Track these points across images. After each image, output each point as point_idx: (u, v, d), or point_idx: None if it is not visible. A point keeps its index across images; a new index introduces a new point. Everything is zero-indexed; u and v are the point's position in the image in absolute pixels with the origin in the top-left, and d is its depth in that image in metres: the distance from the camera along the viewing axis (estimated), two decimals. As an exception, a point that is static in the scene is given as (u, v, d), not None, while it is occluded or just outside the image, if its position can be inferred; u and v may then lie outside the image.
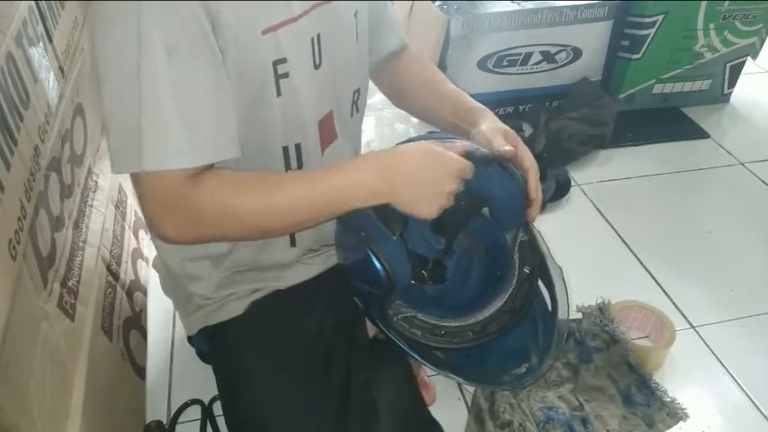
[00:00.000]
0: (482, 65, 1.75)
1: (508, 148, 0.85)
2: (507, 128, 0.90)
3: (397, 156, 0.78)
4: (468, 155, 0.80)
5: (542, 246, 0.93)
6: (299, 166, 0.86)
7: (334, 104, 0.90)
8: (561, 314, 0.91)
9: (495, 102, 1.84)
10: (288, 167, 0.86)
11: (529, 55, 1.77)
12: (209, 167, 0.74)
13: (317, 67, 0.83)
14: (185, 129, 0.70)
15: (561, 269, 0.93)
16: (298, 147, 0.85)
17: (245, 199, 0.75)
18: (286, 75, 0.78)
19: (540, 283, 0.92)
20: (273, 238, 0.90)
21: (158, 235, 0.76)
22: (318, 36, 0.82)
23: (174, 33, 0.67)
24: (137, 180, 0.74)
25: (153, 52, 0.67)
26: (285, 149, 0.85)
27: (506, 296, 0.89)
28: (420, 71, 1.04)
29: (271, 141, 0.83)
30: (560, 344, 0.92)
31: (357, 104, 0.95)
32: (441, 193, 0.77)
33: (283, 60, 0.77)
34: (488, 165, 0.84)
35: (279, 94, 0.79)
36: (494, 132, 0.88)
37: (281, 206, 0.76)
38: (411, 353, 0.90)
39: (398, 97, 1.08)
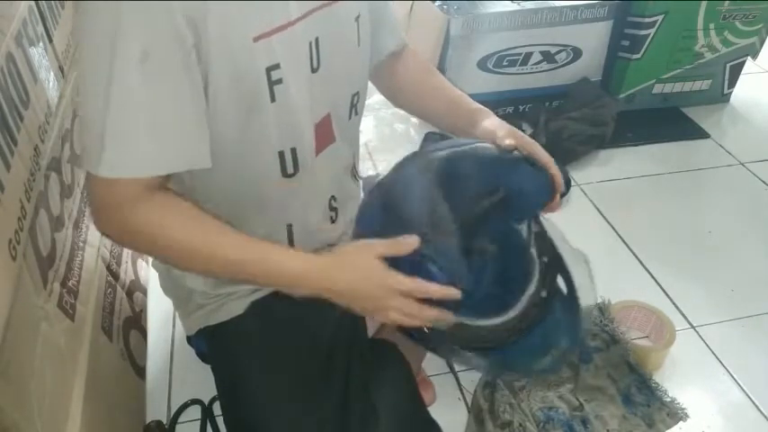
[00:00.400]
0: (482, 65, 1.75)
1: (509, 141, 0.87)
2: (511, 127, 0.91)
3: (335, 271, 0.81)
4: (494, 155, 0.83)
5: (552, 232, 0.94)
6: (295, 170, 0.86)
7: (331, 108, 0.89)
8: (586, 298, 0.92)
9: (495, 102, 1.84)
10: (284, 171, 0.86)
11: (529, 55, 1.77)
12: (166, 182, 0.76)
13: (314, 70, 0.82)
14: (144, 139, 0.70)
15: (584, 255, 0.94)
16: (293, 151, 0.85)
17: (182, 236, 0.76)
18: (280, 81, 0.78)
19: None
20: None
21: (99, 230, 0.79)
22: (317, 40, 0.81)
23: (148, 42, 0.67)
24: (90, 180, 0.74)
25: (125, 59, 0.67)
26: (281, 154, 0.84)
27: (533, 289, 0.89)
28: (418, 72, 1.04)
29: (266, 146, 0.83)
30: (587, 325, 0.92)
31: (356, 108, 0.95)
32: (376, 310, 0.81)
33: (277, 66, 0.77)
34: (518, 163, 0.86)
35: (273, 100, 0.79)
36: (497, 127, 0.90)
37: (215, 259, 0.78)
38: (454, 356, 0.91)
39: (396, 98, 1.08)
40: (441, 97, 1.01)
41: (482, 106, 0.97)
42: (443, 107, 1.00)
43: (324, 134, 0.90)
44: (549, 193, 0.89)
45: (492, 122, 0.92)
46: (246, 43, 0.73)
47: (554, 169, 0.90)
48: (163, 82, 0.69)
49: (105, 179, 0.71)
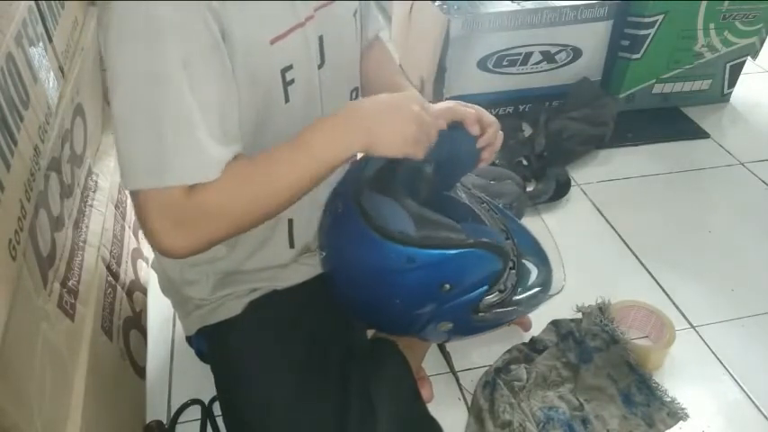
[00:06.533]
0: (482, 65, 1.75)
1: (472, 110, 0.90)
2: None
3: (359, 103, 0.81)
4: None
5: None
6: None
7: (335, 104, 0.90)
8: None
9: (495, 102, 1.85)
10: None
11: (529, 55, 1.77)
12: None
13: (319, 67, 0.83)
14: (210, 142, 0.70)
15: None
16: None
17: (248, 195, 0.75)
18: (292, 81, 0.79)
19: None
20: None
21: (165, 252, 0.74)
22: (321, 37, 0.82)
23: (188, 49, 0.67)
24: (137, 199, 0.72)
25: (170, 69, 0.66)
26: None
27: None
28: (381, 61, 1.05)
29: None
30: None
31: None
32: (409, 119, 0.77)
33: (290, 67, 0.78)
34: (452, 128, 0.88)
35: (287, 100, 0.80)
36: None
37: (280, 191, 0.76)
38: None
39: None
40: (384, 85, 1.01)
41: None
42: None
43: None
44: (476, 155, 0.92)
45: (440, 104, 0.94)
46: (264, 46, 0.74)
47: (493, 129, 0.91)
48: (209, 83, 0.69)
49: (158, 191, 0.70)
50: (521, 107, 1.86)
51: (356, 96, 0.95)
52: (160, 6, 0.65)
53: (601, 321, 1.20)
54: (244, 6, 0.70)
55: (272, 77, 0.77)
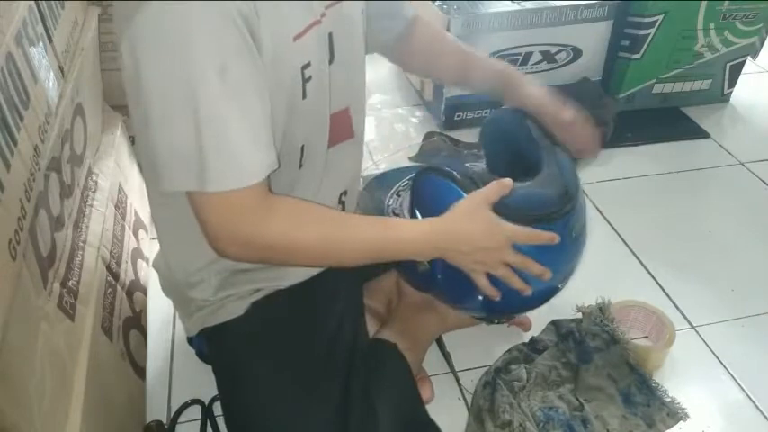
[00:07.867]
0: (482, 65, 1.74)
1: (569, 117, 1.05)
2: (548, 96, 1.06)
3: (457, 225, 0.85)
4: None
5: None
6: (307, 161, 0.87)
7: (348, 101, 0.90)
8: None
9: (495, 101, 1.84)
10: (300, 164, 0.87)
11: (529, 55, 1.77)
12: (269, 189, 0.77)
13: (330, 63, 0.84)
14: (249, 146, 0.71)
15: None
16: (310, 143, 0.86)
17: (318, 236, 0.79)
18: (310, 78, 0.79)
19: None
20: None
21: (220, 253, 0.77)
22: (331, 34, 0.82)
23: (221, 53, 0.67)
24: (199, 200, 0.73)
25: (206, 77, 0.66)
26: (302, 148, 0.86)
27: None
28: (430, 41, 1.07)
29: (293, 142, 0.84)
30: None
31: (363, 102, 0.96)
32: (489, 262, 0.86)
33: (308, 65, 0.78)
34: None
35: (304, 97, 0.80)
36: (552, 102, 1.06)
37: (350, 247, 0.81)
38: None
39: (409, 64, 1.12)
40: (456, 61, 1.07)
41: (507, 65, 1.07)
42: (461, 69, 1.07)
43: (342, 128, 0.90)
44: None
45: (530, 87, 1.05)
46: (288, 43, 0.74)
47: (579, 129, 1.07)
48: (244, 87, 0.70)
49: (218, 196, 0.71)
50: (521, 107, 1.85)
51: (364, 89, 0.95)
52: (192, 12, 0.64)
53: (601, 321, 1.20)
54: (272, 5, 0.70)
55: (293, 75, 0.77)
